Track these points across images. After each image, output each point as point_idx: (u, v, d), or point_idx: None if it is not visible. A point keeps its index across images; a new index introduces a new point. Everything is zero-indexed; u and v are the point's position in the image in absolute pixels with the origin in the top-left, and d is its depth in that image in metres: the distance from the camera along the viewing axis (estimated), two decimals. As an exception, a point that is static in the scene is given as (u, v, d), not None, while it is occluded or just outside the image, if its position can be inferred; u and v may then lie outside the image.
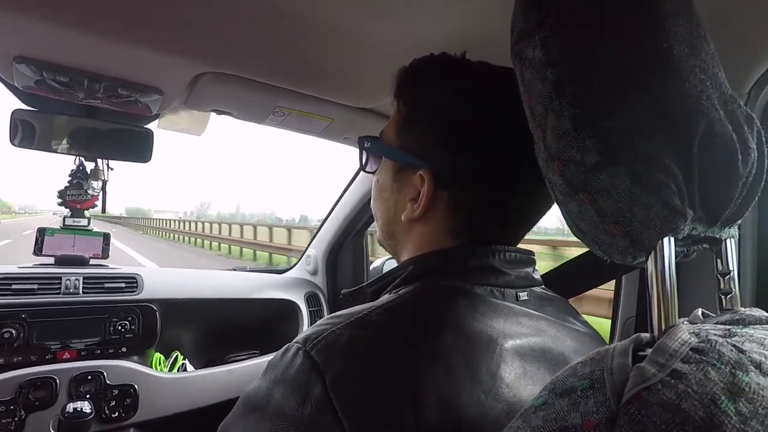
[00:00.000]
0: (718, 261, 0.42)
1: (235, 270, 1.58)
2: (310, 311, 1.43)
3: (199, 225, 25.36)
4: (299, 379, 0.38)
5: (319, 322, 0.44)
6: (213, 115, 1.01)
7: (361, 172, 1.36)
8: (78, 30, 0.67)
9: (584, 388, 0.28)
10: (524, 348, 0.44)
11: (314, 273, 1.56)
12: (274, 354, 0.43)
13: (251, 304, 1.35)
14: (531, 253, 0.53)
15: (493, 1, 0.59)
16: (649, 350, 0.30)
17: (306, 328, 1.36)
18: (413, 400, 0.36)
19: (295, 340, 0.42)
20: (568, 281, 0.80)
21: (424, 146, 0.50)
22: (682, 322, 0.43)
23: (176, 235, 24.54)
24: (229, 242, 16.38)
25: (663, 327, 0.32)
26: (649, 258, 0.33)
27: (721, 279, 0.43)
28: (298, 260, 1.65)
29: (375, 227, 0.61)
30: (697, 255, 0.42)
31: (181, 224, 28.92)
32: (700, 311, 0.43)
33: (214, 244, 17.97)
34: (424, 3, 0.61)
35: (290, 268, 1.66)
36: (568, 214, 0.37)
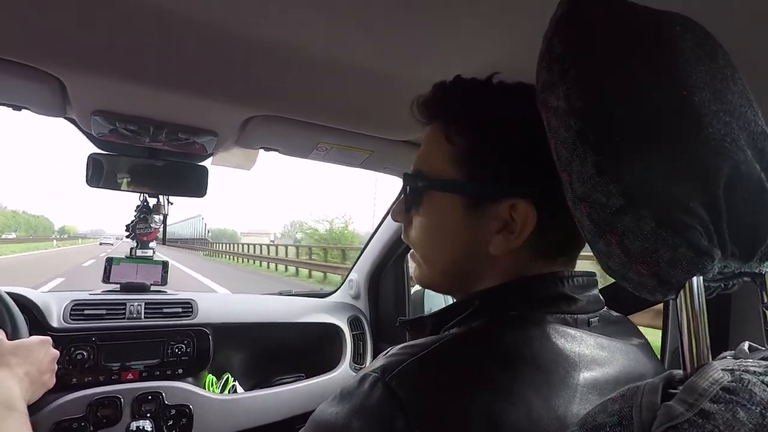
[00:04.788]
0: (764, 294, 0.42)
1: (281, 294, 1.64)
2: (353, 335, 1.46)
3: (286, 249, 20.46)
4: (381, 412, 0.38)
5: (393, 351, 0.43)
6: (262, 151, 1.09)
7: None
8: (148, 86, 0.76)
9: (613, 424, 0.29)
10: (600, 381, 0.43)
11: (357, 297, 1.60)
12: (346, 382, 0.43)
13: (297, 328, 1.39)
14: (593, 274, 0.51)
15: (527, 40, 0.62)
16: (681, 388, 0.30)
17: (349, 352, 1.40)
18: None
19: (371, 369, 0.41)
20: (623, 299, 0.78)
21: (508, 174, 0.47)
22: (724, 357, 0.43)
23: (272, 264, 19.44)
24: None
25: (695, 365, 0.33)
26: (679, 295, 0.34)
27: (767, 312, 0.42)
28: (341, 284, 1.69)
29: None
30: (750, 286, 0.42)
31: (274, 250, 23.36)
32: (746, 345, 0.42)
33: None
34: (459, 45, 0.65)
35: (333, 292, 1.71)
36: (598, 253, 0.38)
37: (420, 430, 0.36)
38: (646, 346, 0.54)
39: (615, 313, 0.55)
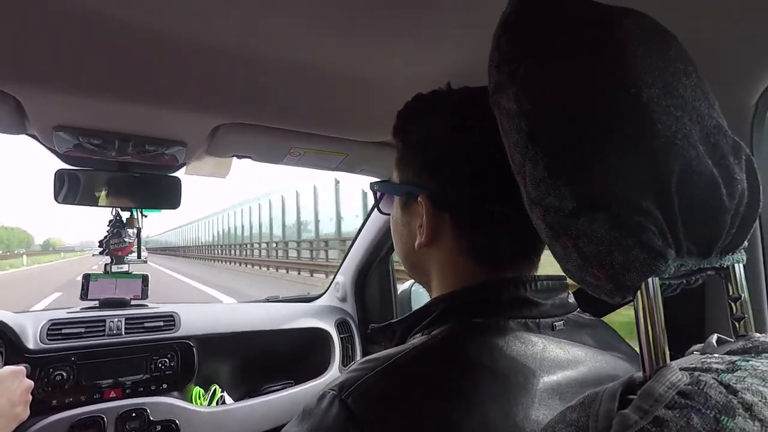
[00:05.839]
0: (729, 286, 0.42)
1: (267, 300, 1.63)
2: (341, 338, 1.45)
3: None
4: (337, 429, 0.38)
5: (353, 366, 0.44)
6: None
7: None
8: (109, 99, 0.74)
9: None
10: (562, 385, 0.43)
11: (343, 299, 1.59)
12: (308, 400, 0.44)
13: (284, 335, 1.38)
14: (563, 277, 0.51)
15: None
16: (639, 393, 0.30)
17: (338, 356, 1.40)
18: None
19: (329, 387, 0.42)
20: (594, 300, 0.78)
21: (418, 175, 0.52)
22: (692, 352, 0.42)
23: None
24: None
25: (654, 365, 0.32)
26: (636, 298, 0.34)
27: (733, 304, 0.42)
28: (328, 288, 1.68)
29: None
30: (715, 279, 0.41)
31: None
32: (714, 338, 0.42)
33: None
34: (428, 47, 0.64)
35: (320, 296, 1.70)
36: (556, 256, 0.37)
37: None
38: (624, 349, 0.54)
39: (587, 317, 0.54)
